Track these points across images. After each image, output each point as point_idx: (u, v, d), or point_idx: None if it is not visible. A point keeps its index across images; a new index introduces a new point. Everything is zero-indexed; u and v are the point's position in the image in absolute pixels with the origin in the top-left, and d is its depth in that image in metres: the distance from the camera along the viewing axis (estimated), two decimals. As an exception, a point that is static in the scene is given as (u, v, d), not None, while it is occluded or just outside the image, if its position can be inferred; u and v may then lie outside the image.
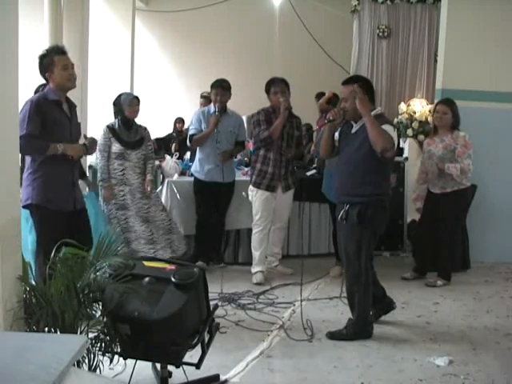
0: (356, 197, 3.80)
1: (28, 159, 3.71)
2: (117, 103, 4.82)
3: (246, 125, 7.64)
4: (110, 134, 4.75)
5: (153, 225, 4.89)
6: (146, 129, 5.02)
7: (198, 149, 5.38)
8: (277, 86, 5.03)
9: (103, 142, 4.75)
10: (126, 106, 4.76)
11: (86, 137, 3.97)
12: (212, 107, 5.30)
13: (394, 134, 3.82)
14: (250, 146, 6.92)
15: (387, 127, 3.76)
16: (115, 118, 4.87)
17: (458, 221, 5.20)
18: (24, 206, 3.68)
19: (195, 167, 5.37)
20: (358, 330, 3.94)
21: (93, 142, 3.94)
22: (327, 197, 5.19)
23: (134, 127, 4.84)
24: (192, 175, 5.41)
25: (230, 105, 5.42)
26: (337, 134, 4.02)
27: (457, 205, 5.06)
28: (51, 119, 3.60)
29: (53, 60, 3.63)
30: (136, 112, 4.84)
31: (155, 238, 4.86)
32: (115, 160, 4.76)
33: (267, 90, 5.08)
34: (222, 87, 5.24)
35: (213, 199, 5.31)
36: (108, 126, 4.80)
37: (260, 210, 5.08)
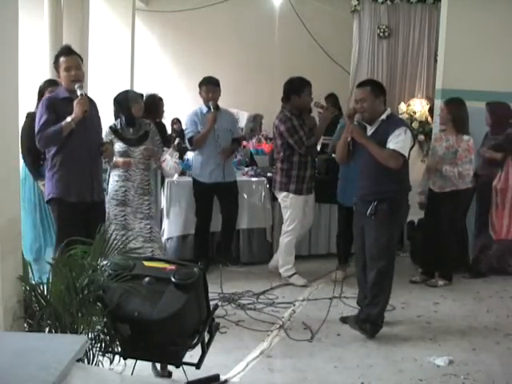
0: (384, 193, 3.89)
1: (48, 156, 3.84)
2: (122, 101, 4.70)
3: (245, 122, 7.65)
4: (112, 135, 4.67)
5: (153, 222, 4.85)
6: (150, 124, 4.95)
7: (197, 152, 5.31)
8: (311, 88, 5.00)
9: None
10: (134, 103, 4.69)
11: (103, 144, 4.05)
12: (204, 107, 5.24)
13: (407, 137, 3.87)
14: (250, 145, 6.92)
15: (400, 131, 3.84)
16: (117, 115, 4.79)
17: (455, 222, 5.13)
18: (47, 202, 3.94)
19: (195, 170, 5.33)
20: (378, 328, 4.00)
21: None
22: (340, 201, 5.21)
23: (138, 123, 4.78)
24: (192, 179, 5.36)
25: (229, 104, 5.41)
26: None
27: (454, 204, 5.02)
28: (63, 116, 3.69)
29: (59, 61, 3.76)
30: (142, 110, 4.82)
31: (153, 237, 4.81)
32: (119, 158, 4.67)
33: (298, 90, 4.94)
34: (212, 83, 5.19)
35: (213, 201, 5.30)
36: (110, 127, 4.72)
37: (298, 216, 5.05)
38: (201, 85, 5.25)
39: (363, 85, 4.06)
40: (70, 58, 3.74)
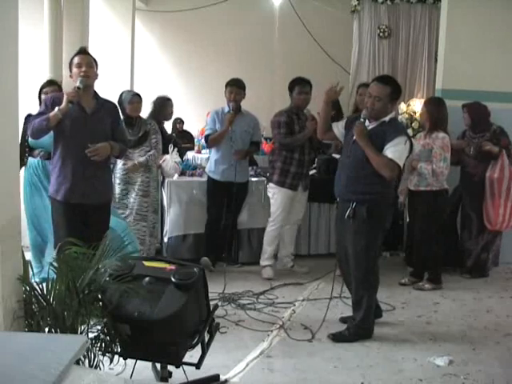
0: (365, 195, 3.80)
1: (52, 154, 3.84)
2: (119, 102, 4.80)
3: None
4: None
5: (147, 225, 4.88)
6: (151, 123, 4.98)
7: (213, 149, 5.42)
8: (302, 86, 5.10)
9: None
10: (127, 103, 4.75)
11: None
12: (226, 106, 5.34)
13: (406, 148, 3.79)
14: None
15: (400, 140, 3.74)
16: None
17: (429, 223, 4.99)
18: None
19: (210, 167, 5.44)
20: (361, 332, 3.94)
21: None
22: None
23: (137, 124, 4.81)
24: (207, 175, 5.46)
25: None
26: (342, 130, 4.08)
27: (429, 205, 4.94)
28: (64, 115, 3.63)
29: (72, 60, 3.77)
30: (137, 110, 4.81)
31: (145, 240, 4.85)
32: (118, 159, 4.71)
33: (291, 89, 5.13)
34: (237, 86, 5.30)
35: (225, 199, 5.38)
36: None
37: (281, 207, 5.17)
38: (226, 85, 5.35)
39: (384, 82, 3.86)
40: (83, 56, 3.75)
